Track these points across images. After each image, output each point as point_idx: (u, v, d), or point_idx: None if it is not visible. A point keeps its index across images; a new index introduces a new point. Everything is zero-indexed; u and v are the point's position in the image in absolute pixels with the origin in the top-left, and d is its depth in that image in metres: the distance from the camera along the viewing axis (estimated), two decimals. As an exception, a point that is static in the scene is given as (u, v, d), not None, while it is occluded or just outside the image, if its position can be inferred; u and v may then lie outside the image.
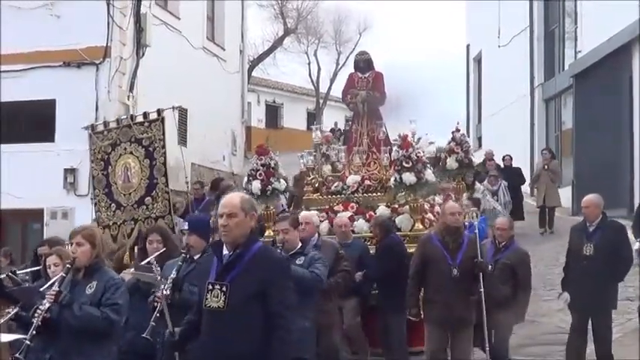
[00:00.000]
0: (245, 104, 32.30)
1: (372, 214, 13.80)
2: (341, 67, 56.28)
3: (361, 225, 13.72)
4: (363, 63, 15.70)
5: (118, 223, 14.15)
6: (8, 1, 21.77)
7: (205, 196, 19.74)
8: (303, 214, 11.49)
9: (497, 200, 19.37)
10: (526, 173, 24.69)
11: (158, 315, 7.82)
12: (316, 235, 11.24)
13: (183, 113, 25.13)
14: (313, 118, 53.46)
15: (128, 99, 14.89)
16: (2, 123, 21.61)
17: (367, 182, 14.56)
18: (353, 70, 15.85)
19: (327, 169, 15.46)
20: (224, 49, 29.49)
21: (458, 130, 15.28)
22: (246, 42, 33.58)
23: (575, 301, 11.44)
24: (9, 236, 21.36)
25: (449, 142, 15.18)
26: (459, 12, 58.03)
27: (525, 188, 24.45)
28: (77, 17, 21.27)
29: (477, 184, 18.36)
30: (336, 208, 14.17)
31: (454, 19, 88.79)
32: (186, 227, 8.89)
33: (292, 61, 54.73)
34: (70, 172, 21.19)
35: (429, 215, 14.14)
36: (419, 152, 13.38)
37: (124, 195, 14.18)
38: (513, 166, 24.08)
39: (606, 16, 23.30)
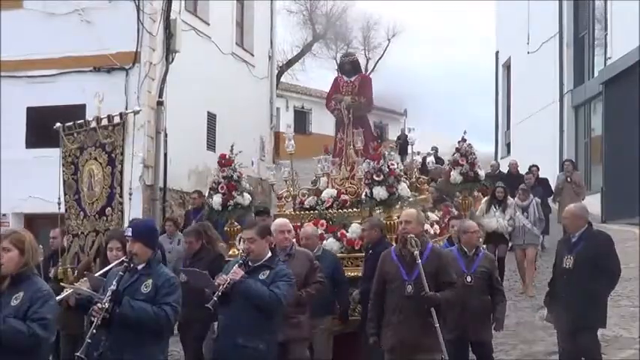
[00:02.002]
0: (274, 110, 32.30)
1: (344, 232, 12.63)
2: (370, 73, 56.21)
3: (331, 244, 12.44)
4: (349, 65, 14.87)
5: (85, 233, 13.04)
6: (40, 7, 21.97)
7: (204, 205, 19.33)
8: (280, 222, 11.02)
9: (527, 217, 17.98)
10: (554, 178, 24.52)
11: (95, 332, 7.39)
12: (291, 243, 10.74)
13: (212, 119, 25.25)
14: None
15: (96, 98, 13.92)
16: (33, 128, 21.77)
17: (343, 197, 13.44)
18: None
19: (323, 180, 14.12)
20: (253, 55, 29.53)
21: (464, 141, 14.00)
22: (275, 48, 33.57)
23: (558, 319, 10.65)
24: (38, 240, 21.42)
25: (453, 154, 13.98)
26: (488, 18, 58.00)
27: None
28: (107, 23, 21.39)
29: (510, 200, 18.02)
30: (305, 225, 12.58)
31: (483, 26, 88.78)
32: (129, 234, 8.08)
33: (321, 66, 54.73)
34: (100, 176, 21.27)
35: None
36: (391, 164, 12.12)
37: (89, 204, 13.12)
38: (540, 177, 23.20)
39: (636, 23, 23.21)
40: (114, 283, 7.60)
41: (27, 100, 21.81)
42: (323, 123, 52.91)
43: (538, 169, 23.26)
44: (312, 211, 13.38)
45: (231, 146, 13.03)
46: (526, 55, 34.49)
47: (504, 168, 24.62)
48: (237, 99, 26.51)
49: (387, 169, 11.98)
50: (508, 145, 38.12)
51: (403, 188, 12.11)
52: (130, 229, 8.08)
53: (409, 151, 16.53)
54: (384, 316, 9.35)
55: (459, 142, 14.04)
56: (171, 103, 22.29)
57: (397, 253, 9.37)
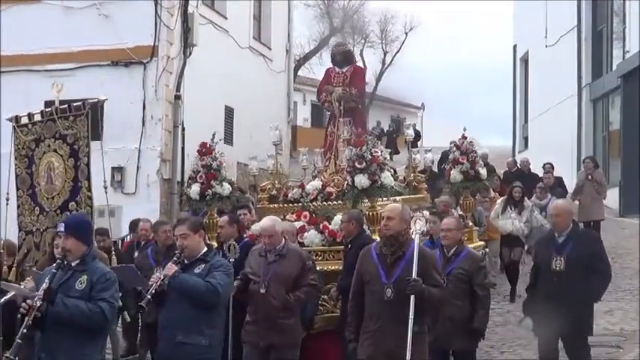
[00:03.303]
0: (291, 103, 32.33)
1: (327, 224, 12.03)
2: (387, 67, 56.30)
3: (312, 237, 11.93)
4: (340, 56, 14.24)
5: (41, 230, 12.33)
6: (58, 1, 22.05)
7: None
8: (262, 225, 10.25)
9: (545, 217, 16.91)
10: (573, 175, 24.39)
11: (25, 331, 7.06)
12: (282, 241, 10.04)
13: (229, 113, 25.29)
14: (359, 117, 53.45)
15: (53, 88, 12.89)
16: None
17: (329, 189, 12.83)
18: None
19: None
20: (270, 49, 29.56)
21: (464, 138, 13.51)
22: (293, 41, 33.59)
23: (544, 327, 9.93)
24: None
25: (453, 152, 13.56)
26: (506, 12, 57.88)
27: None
28: (125, 17, 21.47)
29: (526, 201, 17.27)
30: (288, 217, 12.34)
31: (501, 19, 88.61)
32: (62, 229, 7.68)
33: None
34: (118, 170, 21.34)
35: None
36: (375, 152, 11.51)
37: (47, 198, 12.37)
38: (555, 175, 22.12)
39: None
40: (46, 281, 7.29)
41: (45, 94, 21.81)
42: (340, 117, 52.91)
43: (552, 167, 22.26)
44: (295, 204, 12.88)
45: (212, 136, 12.53)
46: (544, 48, 34.38)
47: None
48: (254, 93, 26.53)
49: (370, 156, 11.43)
50: (526, 139, 38.02)
51: (387, 177, 11.52)
52: (63, 224, 7.77)
53: (418, 145, 16.02)
54: (363, 320, 8.51)
55: (459, 139, 13.62)
56: (189, 97, 22.37)
57: (378, 252, 8.47)
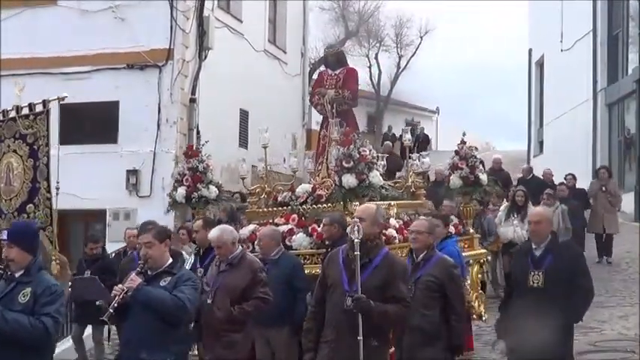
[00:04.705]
0: (306, 107, 32.30)
1: (316, 227, 11.49)
2: (402, 71, 56.27)
3: (300, 240, 11.49)
4: (333, 58, 14.05)
5: None
6: (74, 4, 22.15)
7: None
8: (211, 236, 9.80)
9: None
10: (588, 179, 24.23)
11: None
12: (237, 251, 9.58)
13: (244, 116, 25.32)
14: (374, 121, 53.45)
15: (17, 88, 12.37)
16: (66, 124, 21.89)
17: (319, 192, 12.35)
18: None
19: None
20: (285, 52, 29.61)
21: (464, 143, 13.12)
22: (308, 45, 33.60)
23: (518, 351, 8.78)
24: (72, 236, 21.61)
25: (452, 157, 13.15)
26: (521, 16, 57.78)
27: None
28: (141, 20, 21.58)
29: (531, 207, 15.93)
30: (276, 220, 12.03)
31: (516, 23, 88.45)
32: (4, 237, 7.36)
33: (353, 64, 54.41)
34: (133, 173, 21.42)
35: (390, 231, 11.41)
36: (363, 150, 11.19)
37: (5, 200, 11.90)
38: (577, 187, 21.04)
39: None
40: None
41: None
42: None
43: (575, 178, 21.13)
44: (285, 207, 12.48)
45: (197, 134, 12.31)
46: (559, 52, 34.29)
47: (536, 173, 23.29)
48: (269, 96, 26.56)
49: (358, 155, 11.12)
50: (541, 143, 37.92)
51: (375, 176, 11.17)
52: (6, 232, 7.46)
53: (427, 149, 15.61)
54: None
55: (458, 144, 13.23)
56: (204, 100, 22.43)
57: (344, 256, 7.83)
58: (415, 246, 9.05)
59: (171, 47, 21.62)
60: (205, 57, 22.56)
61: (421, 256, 8.94)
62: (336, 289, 7.70)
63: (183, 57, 21.85)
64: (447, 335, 8.62)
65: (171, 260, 7.91)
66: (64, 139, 21.64)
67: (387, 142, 31.14)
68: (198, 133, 22.10)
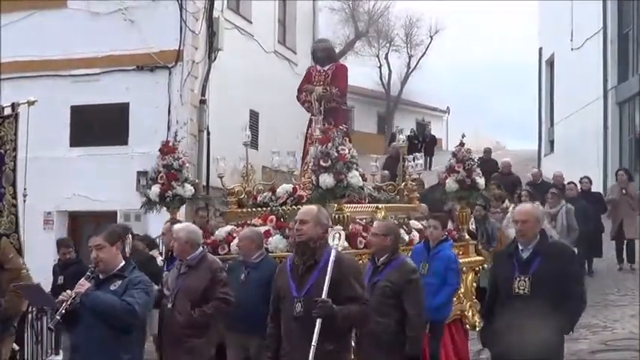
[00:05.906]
0: (316, 107, 32.33)
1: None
2: (412, 71, 56.29)
3: (276, 242, 10.96)
4: (322, 53, 13.67)
5: None
6: (84, 6, 22.19)
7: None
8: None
9: (555, 226, 15.82)
10: (599, 177, 24.12)
11: None
12: (197, 251, 9.21)
13: (254, 117, 25.31)
14: (384, 121, 53.47)
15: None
16: (77, 126, 22.00)
17: (300, 193, 11.84)
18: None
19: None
20: (295, 53, 29.56)
21: (462, 145, 12.59)
22: (318, 45, 33.58)
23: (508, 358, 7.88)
24: (84, 238, 21.62)
25: (449, 160, 12.68)
26: (531, 15, 57.70)
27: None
28: (151, 22, 21.60)
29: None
30: (253, 221, 11.56)
31: (526, 22, 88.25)
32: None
33: (363, 64, 54.60)
34: (143, 174, 21.37)
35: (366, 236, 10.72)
36: (342, 149, 10.61)
37: None
38: (592, 190, 20.20)
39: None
40: None
41: (71, 98, 22.02)
42: (365, 121, 52.93)
43: (590, 182, 20.17)
44: (264, 208, 12.01)
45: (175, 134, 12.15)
46: (569, 51, 34.21)
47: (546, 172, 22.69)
48: (279, 97, 26.53)
49: (336, 154, 10.55)
50: (551, 142, 37.84)
51: (354, 176, 10.58)
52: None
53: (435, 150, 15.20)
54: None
55: (456, 146, 12.81)
56: (214, 101, 22.47)
57: (291, 263, 7.49)
58: (372, 249, 8.91)
59: (181, 48, 21.64)
60: (215, 58, 22.57)
61: (381, 259, 8.74)
62: (286, 297, 7.37)
63: (193, 58, 21.87)
64: (404, 344, 8.36)
65: (123, 263, 7.57)
66: (75, 141, 22.08)
67: (394, 143, 31.06)
68: (208, 134, 22.11)
